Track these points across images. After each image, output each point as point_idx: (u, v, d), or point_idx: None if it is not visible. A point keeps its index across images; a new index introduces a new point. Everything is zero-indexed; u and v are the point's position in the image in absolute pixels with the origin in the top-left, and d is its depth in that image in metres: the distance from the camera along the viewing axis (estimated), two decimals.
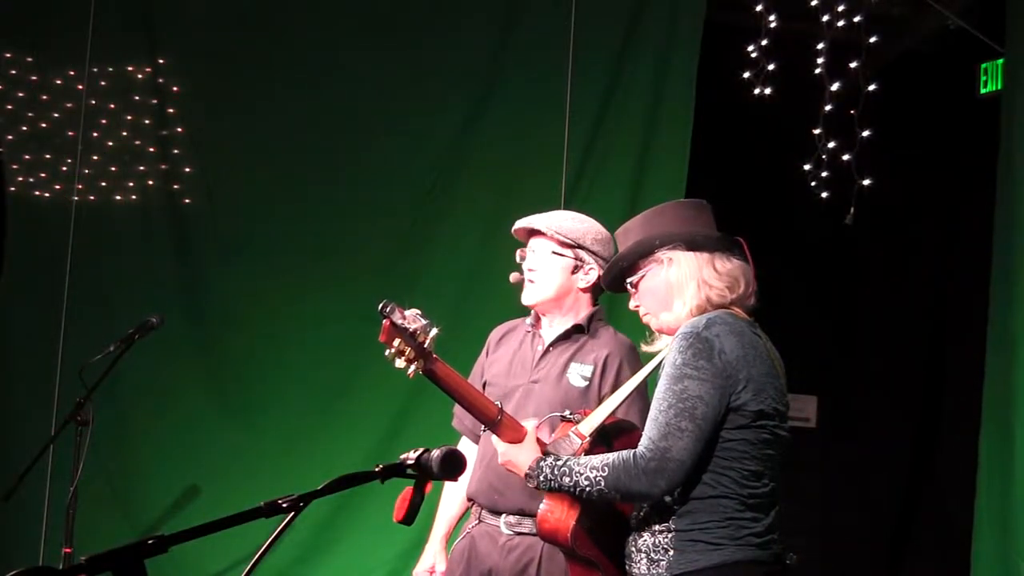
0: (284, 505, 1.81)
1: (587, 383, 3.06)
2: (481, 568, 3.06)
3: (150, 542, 1.66)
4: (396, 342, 2.36)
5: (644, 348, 2.63)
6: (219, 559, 4.66)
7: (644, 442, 2.31)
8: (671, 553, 2.33)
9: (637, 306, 2.55)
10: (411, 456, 2.01)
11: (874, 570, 5.77)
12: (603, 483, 2.32)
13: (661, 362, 2.45)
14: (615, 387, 3.04)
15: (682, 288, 2.44)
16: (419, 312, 2.41)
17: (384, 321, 2.34)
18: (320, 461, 4.70)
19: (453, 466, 2.00)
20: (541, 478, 2.42)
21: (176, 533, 1.69)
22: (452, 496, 3.33)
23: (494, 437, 2.57)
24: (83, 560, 1.60)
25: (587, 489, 2.35)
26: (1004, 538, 4.48)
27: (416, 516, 2.09)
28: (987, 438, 4.69)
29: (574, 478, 2.36)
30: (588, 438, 2.50)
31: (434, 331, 2.42)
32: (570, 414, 2.64)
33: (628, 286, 2.55)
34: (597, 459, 2.36)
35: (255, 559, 1.78)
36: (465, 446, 3.27)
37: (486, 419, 2.56)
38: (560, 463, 2.40)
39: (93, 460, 4.26)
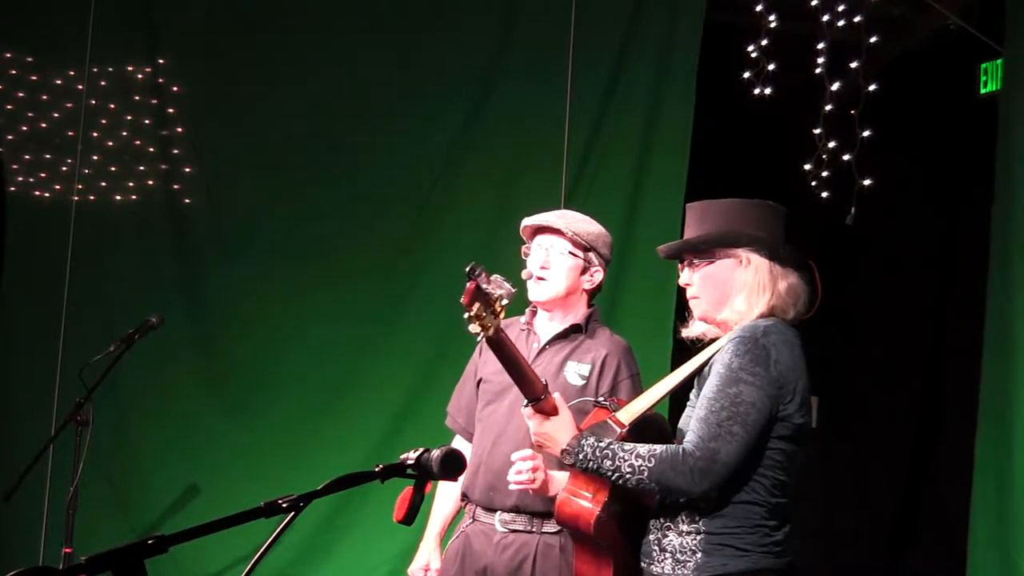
0: (284, 505, 1.81)
1: (584, 382, 3.08)
2: (476, 566, 3.07)
3: (150, 542, 1.66)
4: (475, 307, 2.30)
5: (683, 332, 2.60)
6: (219, 559, 4.66)
7: (693, 440, 2.29)
8: (699, 555, 2.34)
9: (688, 284, 2.53)
10: (411, 456, 2.01)
11: (874, 570, 5.76)
12: (646, 473, 2.29)
13: (708, 361, 2.44)
14: (613, 387, 3.06)
15: (753, 292, 2.43)
16: (502, 277, 2.36)
17: (469, 283, 2.28)
18: (320, 461, 4.71)
19: (453, 466, 2.00)
20: (580, 456, 2.37)
21: (176, 533, 1.70)
22: (447, 494, 3.34)
23: (526, 410, 2.50)
24: (83, 560, 1.60)
25: (628, 476, 2.31)
26: (1000, 536, 4.49)
27: (416, 516, 2.09)
28: (983, 436, 4.70)
29: (616, 463, 2.32)
30: (627, 427, 2.46)
31: (507, 300, 2.36)
32: (605, 400, 2.60)
33: (690, 263, 2.53)
34: (643, 448, 2.32)
35: (255, 559, 1.78)
36: (458, 445, 3.28)
37: (532, 394, 2.49)
38: (603, 445, 2.36)
39: (93, 460, 4.26)
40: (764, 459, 2.34)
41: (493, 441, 3.10)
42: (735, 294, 2.45)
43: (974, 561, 4.67)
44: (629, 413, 2.49)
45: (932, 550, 5.50)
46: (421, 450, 2.01)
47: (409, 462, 2.01)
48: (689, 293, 2.54)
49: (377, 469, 1.96)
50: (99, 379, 4.10)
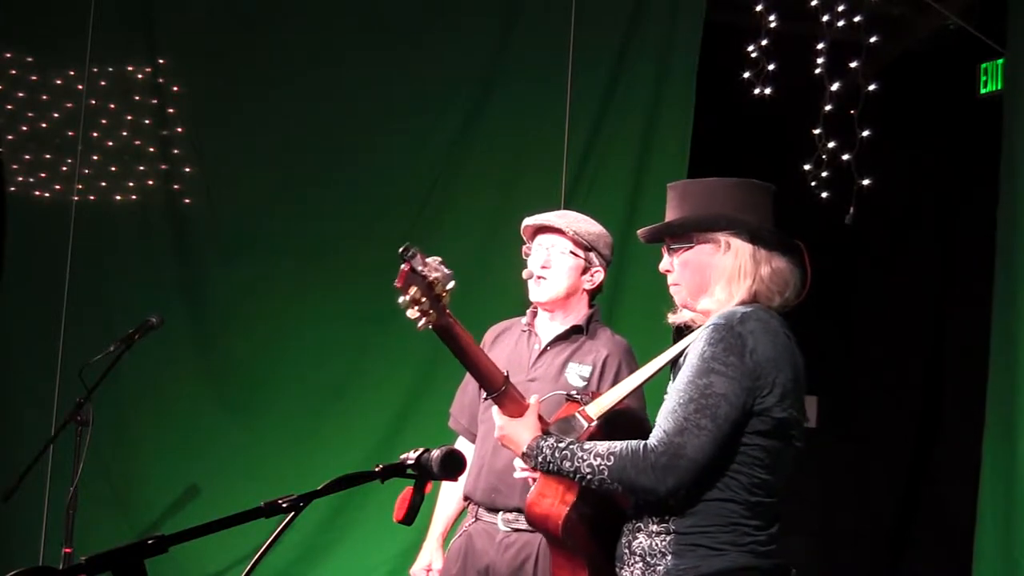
0: (284, 505, 1.81)
1: (585, 383, 3.07)
2: (478, 565, 3.07)
3: (150, 542, 1.66)
4: (412, 290, 2.17)
5: (670, 318, 2.45)
6: (219, 559, 4.66)
7: (657, 434, 2.16)
8: (669, 557, 2.19)
9: (668, 271, 2.38)
10: (411, 456, 2.01)
11: (874, 570, 5.76)
12: (606, 472, 2.17)
13: (683, 351, 2.31)
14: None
15: (733, 278, 2.27)
16: (441, 260, 2.23)
17: (403, 265, 2.16)
18: (320, 461, 4.71)
19: (453, 466, 2.00)
20: (540, 459, 2.27)
21: (176, 533, 1.69)
22: (449, 495, 3.35)
23: (494, 408, 2.44)
24: (83, 560, 1.60)
25: (588, 476, 2.20)
26: (1007, 536, 4.48)
27: (416, 516, 2.09)
28: (991, 437, 4.69)
29: (575, 463, 2.20)
30: (595, 421, 2.36)
31: (451, 284, 2.23)
32: (577, 395, 2.51)
33: (668, 249, 2.38)
34: (603, 446, 2.20)
35: (255, 559, 1.78)
36: (461, 446, 3.28)
37: (491, 387, 2.42)
38: (562, 446, 2.24)
39: (93, 460, 4.26)
40: (739, 455, 2.18)
41: (496, 443, 3.09)
42: (715, 281, 2.29)
43: (979, 560, 4.66)
44: (599, 407, 2.38)
45: (932, 550, 5.50)
46: (421, 450, 2.01)
47: (409, 462, 2.01)
48: (669, 280, 2.39)
49: (377, 469, 1.96)
50: (99, 379, 4.10)
